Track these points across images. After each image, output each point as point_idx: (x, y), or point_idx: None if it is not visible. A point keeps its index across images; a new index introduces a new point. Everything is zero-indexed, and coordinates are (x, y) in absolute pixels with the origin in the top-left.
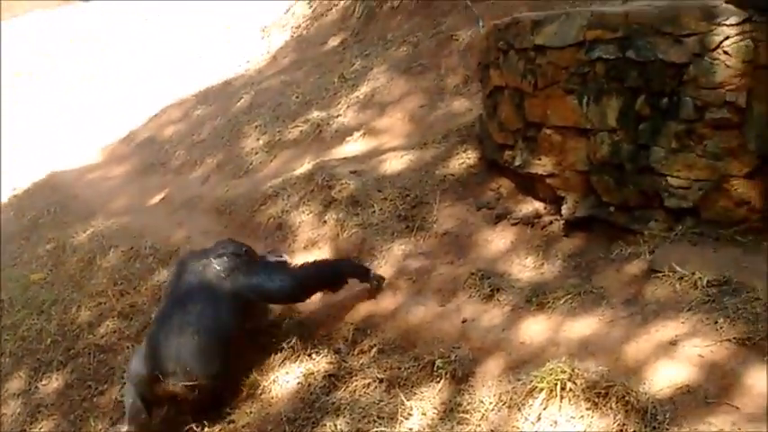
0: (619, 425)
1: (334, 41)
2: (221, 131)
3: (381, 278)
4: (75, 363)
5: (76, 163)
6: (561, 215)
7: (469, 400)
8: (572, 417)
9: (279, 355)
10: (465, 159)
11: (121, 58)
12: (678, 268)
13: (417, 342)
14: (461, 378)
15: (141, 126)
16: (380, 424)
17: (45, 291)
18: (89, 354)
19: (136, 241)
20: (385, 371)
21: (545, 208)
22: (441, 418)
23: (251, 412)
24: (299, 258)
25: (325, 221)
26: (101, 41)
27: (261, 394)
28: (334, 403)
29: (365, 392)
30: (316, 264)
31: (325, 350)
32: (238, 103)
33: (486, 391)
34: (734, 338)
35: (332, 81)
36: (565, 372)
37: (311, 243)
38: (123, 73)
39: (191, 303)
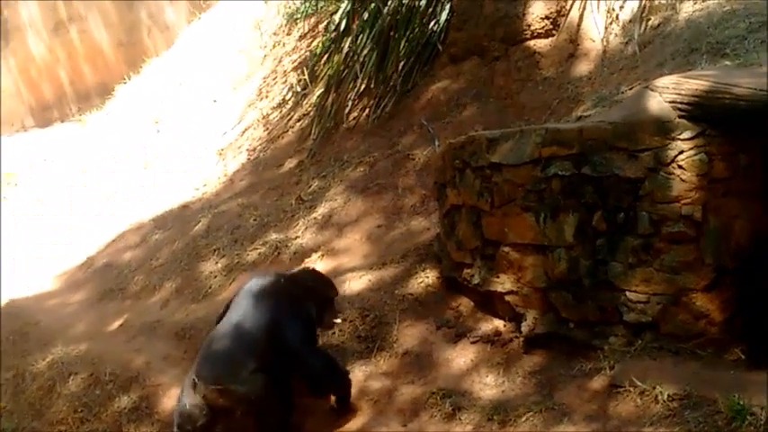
0: None
1: (290, 163)
2: (179, 256)
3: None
4: None
5: (32, 291)
6: (521, 332)
7: None
8: None
9: None
10: (424, 278)
11: (75, 183)
12: (639, 383)
13: None
14: None
15: (98, 252)
16: None
17: (5, 419)
18: None
19: (96, 368)
20: None
21: (505, 326)
22: None
23: None
24: None
25: None
26: (56, 168)
27: None
28: None
29: None
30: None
31: None
32: (196, 227)
33: None
34: None
35: (289, 203)
36: None
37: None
38: (77, 198)
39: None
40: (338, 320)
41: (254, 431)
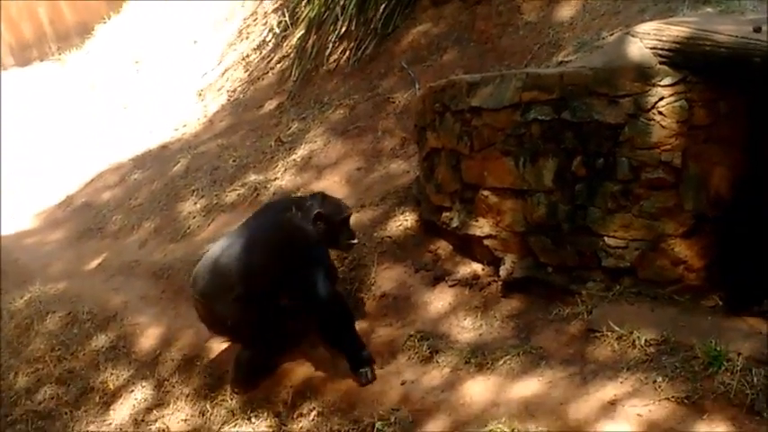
0: None
1: (270, 105)
2: (158, 196)
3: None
4: (12, 430)
5: (11, 229)
6: (499, 276)
7: None
8: None
9: (219, 418)
10: (402, 221)
11: (56, 123)
12: (616, 328)
13: (357, 405)
14: None
15: (77, 191)
16: None
17: None
18: (27, 420)
19: (73, 306)
20: None
21: (483, 269)
22: None
23: None
24: None
25: None
26: (36, 106)
27: None
28: None
29: None
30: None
31: (265, 413)
32: (175, 168)
33: None
34: (673, 398)
35: (269, 144)
36: None
37: None
38: (57, 137)
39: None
40: (355, 241)
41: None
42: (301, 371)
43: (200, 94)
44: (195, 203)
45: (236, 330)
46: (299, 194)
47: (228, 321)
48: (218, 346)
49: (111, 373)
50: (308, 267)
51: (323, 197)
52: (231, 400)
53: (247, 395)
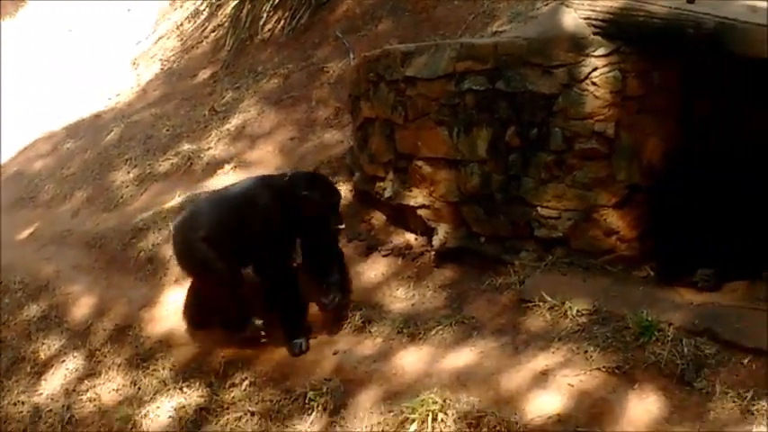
0: None
1: (204, 74)
2: (91, 165)
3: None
4: None
5: None
6: (432, 246)
7: None
8: None
9: (150, 388)
10: None
11: None
12: (549, 298)
13: (289, 375)
14: (334, 410)
15: (9, 160)
16: None
17: None
18: None
19: (5, 276)
20: (257, 404)
21: (416, 239)
22: None
23: None
24: (169, 293)
25: None
26: None
27: (132, 429)
28: None
29: (237, 426)
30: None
31: (197, 383)
32: (108, 137)
33: (359, 423)
34: (604, 367)
35: (202, 114)
36: (437, 403)
37: (182, 276)
38: None
39: None
40: (342, 226)
41: None
42: (234, 341)
43: (133, 63)
44: (128, 173)
45: (198, 267)
46: (293, 172)
47: (193, 258)
48: (150, 315)
49: (43, 343)
50: (264, 241)
51: (312, 179)
52: (163, 370)
53: (180, 365)
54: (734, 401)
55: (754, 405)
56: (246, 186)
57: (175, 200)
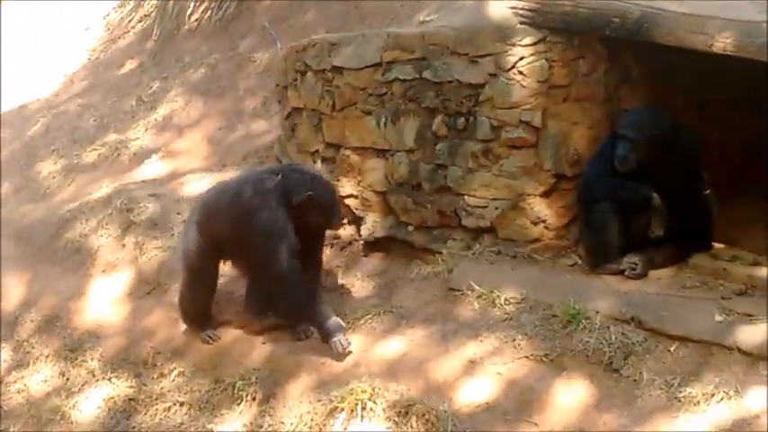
0: None
1: (131, 64)
2: (17, 156)
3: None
4: None
5: None
6: (361, 236)
7: (271, 422)
8: None
9: (79, 379)
10: None
11: None
12: (477, 287)
13: (218, 365)
14: (263, 400)
15: None
16: None
17: None
18: None
19: None
20: (186, 394)
21: (345, 229)
22: None
23: None
24: (97, 283)
25: (124, 245)
26: None
27: (61, 420)
28: (135, 428)
29: (166, 416)
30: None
31: (126, 374)
32: (35, 127)
33: (288, 412)
34: (532, 355)
35: (129, 104)
36: (366, 392)
37: (110, 267)
38: None
39: None
40: (345, 220)
41: None
42: (163, 331)
43: (60, 54)
44: (55, 163)
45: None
46: (291, 165)
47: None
48: (78, 306)
49: None
50: (256, 234)
51: (312, 178)
52: (91, 360)
53: (108, 355)
54: (661, 388)
55: (680, 392)
56: (246, 178)
57: (103, 190)
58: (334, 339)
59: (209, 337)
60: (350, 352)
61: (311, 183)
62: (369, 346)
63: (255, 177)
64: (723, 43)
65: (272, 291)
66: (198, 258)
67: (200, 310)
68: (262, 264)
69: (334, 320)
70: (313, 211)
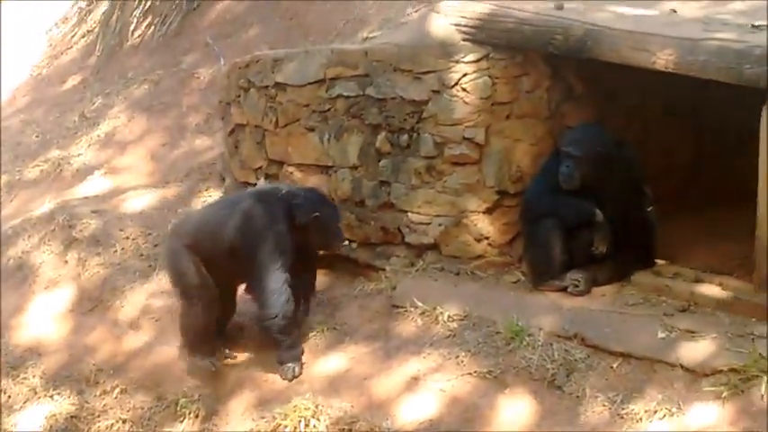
0: None
1: (74, 80)
2: None
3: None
4: None
5: None
6: None
7: None
8: None
9: (20, 396)
10: (207, 197)
11: None
12: (420, 304)
13: (161, 382)
14: (205, 417)
15: None
16: None
17: None
18: None
19: None
20: (128, 411)
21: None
22: None
23: None
24: (39, 300)
25: (66, 261)
26: None
27: None
28: None
29: None
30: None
31: (68, 391)
32: None
33: (231, 430)
34: (475, 372)
35: (72, 120)
36: (309, 409)
37: (53, 283)
38: None
39: None
40: (346, 243)
41: None
42: (105, 348)
43: (1, 69)
44: None
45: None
46: (292, 186)
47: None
48: (20, 323)
49: None
50: (257, 247)
51: (318, 200)
52: (33, 377)
53: (50, 372)
54: (603, 405)
55: (623, 408)
56: (250, 195)
57: (45, 206)
58: (288, 365)
59: (212, 365)
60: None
61: (318, 204)
62: (312, 363)
63: (261, 194)
64: (665, 60)
65: (260, 303)
66: (196, 280)
67: (205, 336)
68: (258, 276)
69: (297, 351)
70: (316, 233)
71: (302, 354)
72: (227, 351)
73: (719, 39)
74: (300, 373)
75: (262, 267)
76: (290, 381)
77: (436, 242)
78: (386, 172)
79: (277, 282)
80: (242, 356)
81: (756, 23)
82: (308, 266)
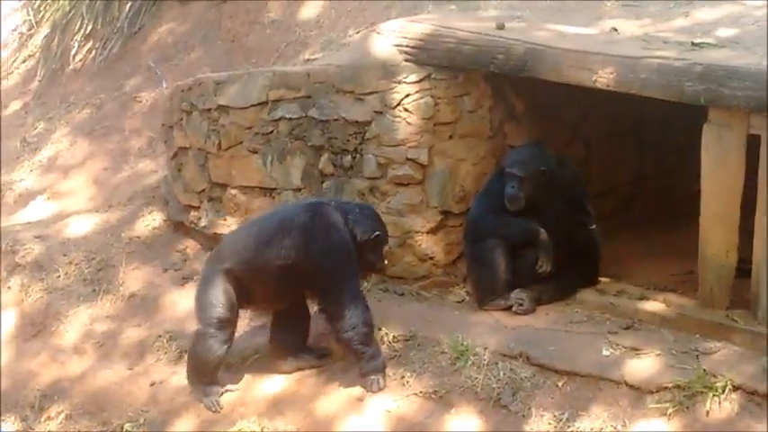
0: None
1: (15, 105)
2: None
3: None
4: None
5: None
6: None
7: None
8: None
9: None
10: (150, 221)
11: None
12: None
13: (106, 406)
14: None
15: None
16: None
17: None
18: None
19: None
20: None
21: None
22: None
23: None
24: None
25: (9, 287)
26: None
27: None
28: None
29: None
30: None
31: (12, 418)
32: None
33: None
34: (420, 392)
35: (14, 145)
36: (254, 431)
37: None
38: None
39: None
40: (386, 262)
41: None
42: (49, 373)
43: None
44: None
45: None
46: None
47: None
48: None
49: None
50: (328, 259)
51: (378, 217)
52: None
53: None
54: (549, 423)
55: (569, 427)
56: (297, 215)
57: None
58: (372, 378)
59: (216, 403)
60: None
61: (377, 222)
62: (257, 385)
63: (315, 206)
64: (606, 78)
65: (336, 316)
66: (226, 310)
67: (212, 370)
68: (331, 288)
69: (379, 361)
70: (371, 251)
71: (385, 366)
72: (228, 385)
73: (660, 56)
74: (385, 386)
75: (335, 279)
76: (375, 393)
77: None
78: (329, 193)
79: (353, 291)
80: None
81: (697, 41)
82: None
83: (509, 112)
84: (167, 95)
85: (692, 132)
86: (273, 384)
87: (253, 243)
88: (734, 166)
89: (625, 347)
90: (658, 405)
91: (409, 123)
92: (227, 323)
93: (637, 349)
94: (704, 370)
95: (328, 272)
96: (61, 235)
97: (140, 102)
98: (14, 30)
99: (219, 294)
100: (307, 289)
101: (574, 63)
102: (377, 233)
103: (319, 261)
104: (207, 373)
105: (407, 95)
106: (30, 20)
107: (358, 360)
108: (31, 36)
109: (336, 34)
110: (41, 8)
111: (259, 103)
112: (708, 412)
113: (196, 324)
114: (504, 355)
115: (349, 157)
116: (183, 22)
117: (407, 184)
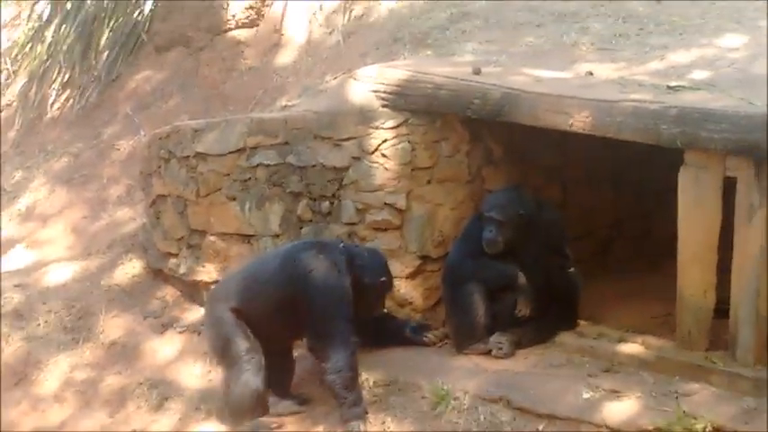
0: None
1: None
2: None
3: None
4: None
5: None
6: None
7: None
8: None
9: None
10: (130, 269)
11: None
12: None
13: None
14: None
15: None
16: None
17: None
18: None
19: None
20: None
21: None
22: None
23: None
24: None
25: None
26: None
27: None
28: None
29: None
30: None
31: None
32: None
33: None
34: None
35: None
36: None
37: None
38: None
39: None
40: (385, 310)
41: None
42: (28, 422)
43: None
44: None
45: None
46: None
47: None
48: None
49: None
50: (320, 297)
51: (385, 263)
52: None
53: None
54: None
55: None
56: (299, 253)
57: None
58: (352, 424)
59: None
60: None
61: (384, 268)
62: None
63: (320, 245)
64: (582, 122)
65: (323, 357)
66: (245, 345)
67: (259, 402)
68: (321, 329)
69: (361, 408)
70: (372, 296)
71: (366, 412)
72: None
73: (636, 100)
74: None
75: (327, 319)
76: None
77: None
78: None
79: (342, 334)
80: None
81: (672, 84)
82: None
83: (487, 157)
84: (145, 143)
85: (668, 175)
86: None
87: (257, 281)
88: (711, 208)
89: (605, 390)
90: None
91: (387, 169)
92: (254, 351)
93: (616, 392)
94: (684, 412)
95: (320, 312)
96: (41, 283)
97: (118, 150)
98: None
99: (236, 330)
100: (303, 327)
101: (549, 107)
102: (383, 279)
103: (312, 300)
104: (252, 409)
105: (385, 141)
106: (8, 69)
107: (340, 405)
108: (8, 85)
109: (313, 80)
110: (18, 57)
111: (237, 150)
112: None
113: (221, 371)
114: (485, 399)
115: (327, 203)
116: (161, 70)
117: (386, 230)
